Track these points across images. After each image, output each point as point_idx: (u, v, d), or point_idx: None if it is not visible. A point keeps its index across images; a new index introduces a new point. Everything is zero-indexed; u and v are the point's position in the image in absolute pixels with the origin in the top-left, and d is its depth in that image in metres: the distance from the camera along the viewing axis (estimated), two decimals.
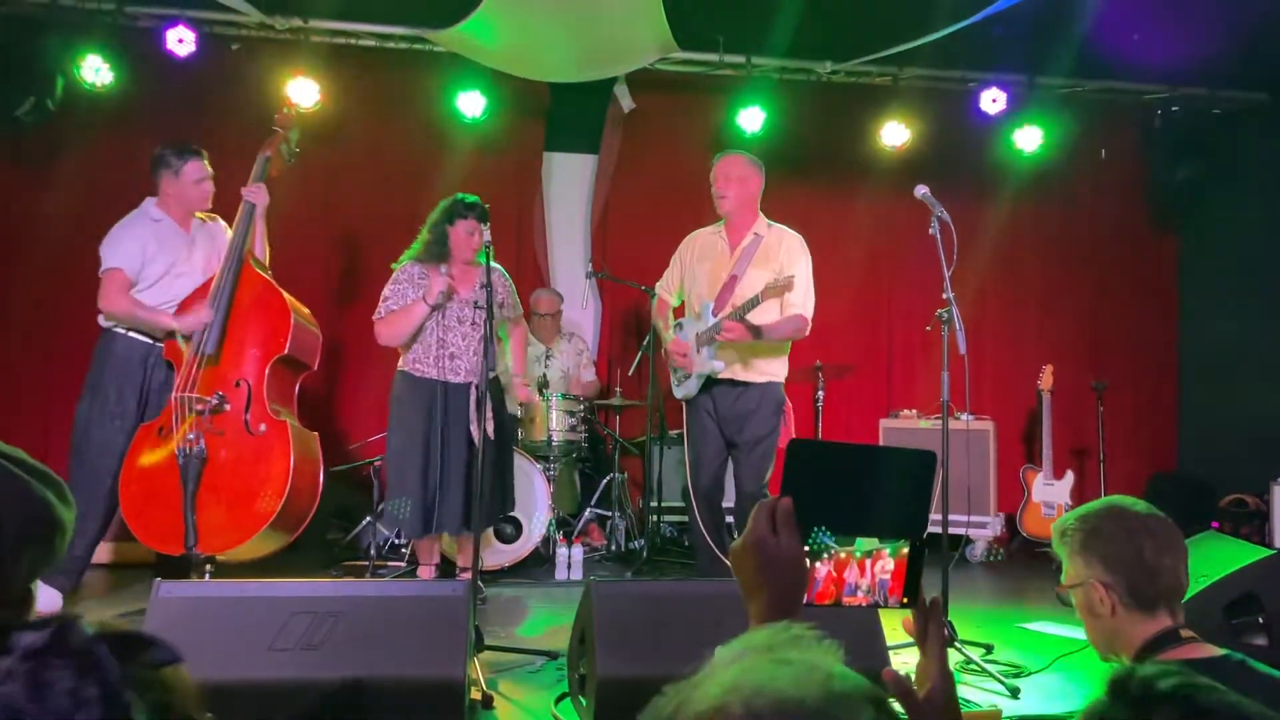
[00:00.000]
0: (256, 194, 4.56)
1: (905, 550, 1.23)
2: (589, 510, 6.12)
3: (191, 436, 4.13)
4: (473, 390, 4.60)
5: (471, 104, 6.25)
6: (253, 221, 4.53)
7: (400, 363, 4.74)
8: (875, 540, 1.22)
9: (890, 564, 1.22)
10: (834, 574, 1.20)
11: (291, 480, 4.21)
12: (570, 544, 5.51)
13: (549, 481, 5.54)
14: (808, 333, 4.62)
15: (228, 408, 4.25)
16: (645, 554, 5.64)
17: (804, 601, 1.17)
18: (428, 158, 6.41)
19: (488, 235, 4.21)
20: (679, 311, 4.94)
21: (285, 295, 4.48)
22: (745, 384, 4.58)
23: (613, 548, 6.00)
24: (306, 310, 4.62)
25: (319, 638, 2.72)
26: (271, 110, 6.13)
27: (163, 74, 5.83)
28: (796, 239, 4.66)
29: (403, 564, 5.34)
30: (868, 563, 1.21)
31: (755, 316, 4.42)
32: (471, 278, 4.63)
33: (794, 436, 5.87)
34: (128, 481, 4.22)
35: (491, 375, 4.19)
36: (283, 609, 2.81)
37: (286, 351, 4.39)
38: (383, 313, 4.67)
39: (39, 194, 5.92)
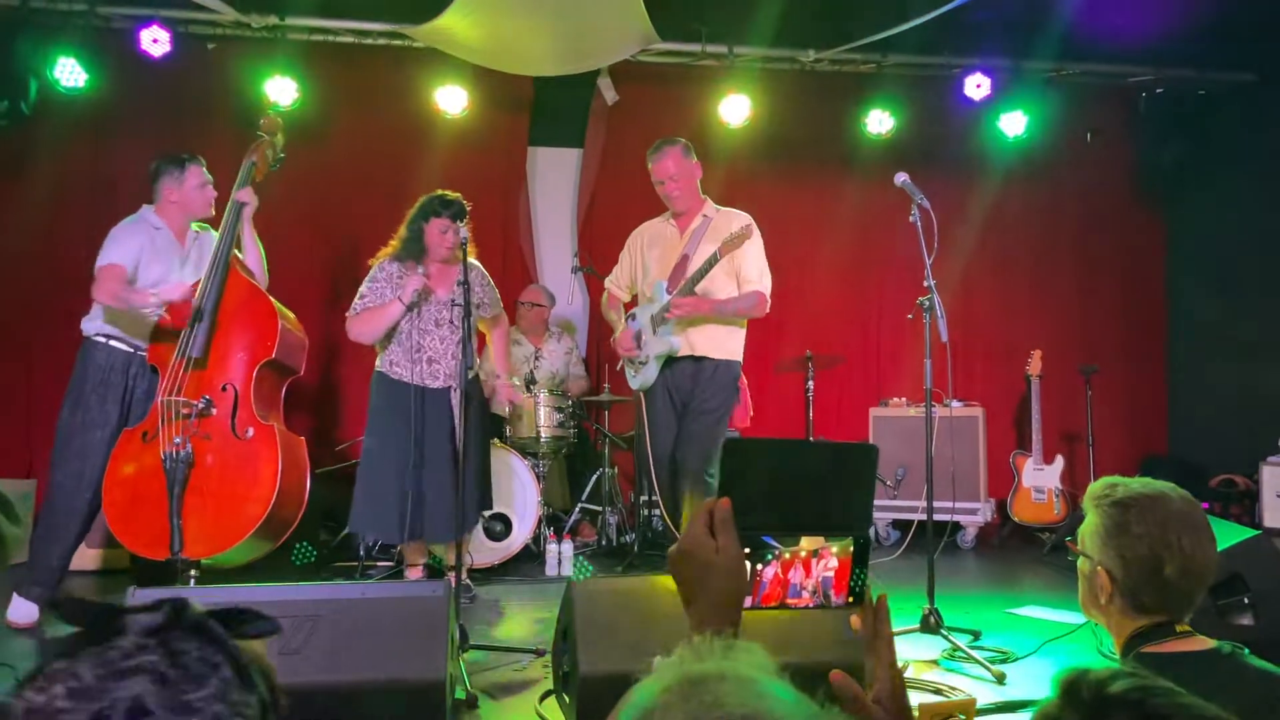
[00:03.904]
0: (245, 195, 4.50)
1: (850, 547, 1.19)
2: (579, 506, 6.09)
3: (178, 440, 4.09)
4: (453, 394, 4.56)
5: (453, 100, 6.21)
6: (240, 224, 4.47)
7: (378, 363, 4.68)
8: (820, 539, 1.18)
9: (834, 561, 1.18)
10: (780, 575, 1.16)
11: (279, 485, 4.16)
12: (560, 540, 5.48)
13: (538, 478, 5.51)
14: (767, 309, 4.66)
15: (214, 412, 4.20)
16: (636, 548, 5.61)
17: (747, 605, 1.13)
18: (410, 155, 6.35)
19: (464, 232, 4.14)
20: (631, 305, 4.95)
21: (271, 299, 4.43)
22: (701, 358, 4.61)
23: (604, 542, 5.97)
24: (292, 315, 4.57)
25: (298, 642, 2.69)
26: (249, 109, 6.08)
27: (138, 75, 5.78)
28: (746, 218, 4.66)
29: (391, 564, 5.33)
30: (812, 562, 1.17)
31: (711, 294, 4.48)
32: (449, 276, 4.57)
33: (750, 416, 5.82)
34: (110, 486, 4.17)
35: (471, 374, 4.12)
36: None
37: (274, 356, 4.34)
38: (358, 309, 4.60)
39: (15, 198, 5.87)
